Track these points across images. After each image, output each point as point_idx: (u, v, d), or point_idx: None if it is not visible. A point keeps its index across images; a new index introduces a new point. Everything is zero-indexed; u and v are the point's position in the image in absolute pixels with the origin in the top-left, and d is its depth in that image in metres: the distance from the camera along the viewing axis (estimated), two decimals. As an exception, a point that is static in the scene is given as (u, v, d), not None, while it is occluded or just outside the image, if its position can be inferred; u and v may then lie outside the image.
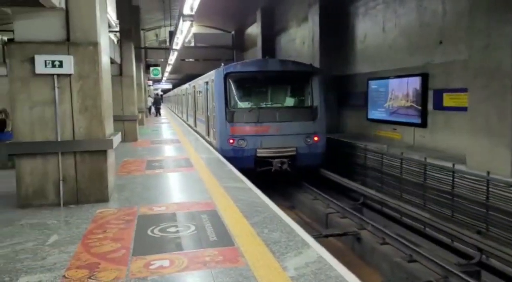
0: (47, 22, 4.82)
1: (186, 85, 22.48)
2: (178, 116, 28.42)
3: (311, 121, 11.24)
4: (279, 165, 10.84)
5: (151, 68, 25.35)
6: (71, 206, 4.96)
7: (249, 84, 11.64)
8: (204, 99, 13.91)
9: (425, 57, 10.22)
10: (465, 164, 7.75)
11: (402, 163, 9.26)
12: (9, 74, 4.78)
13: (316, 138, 11.24)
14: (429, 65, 10.09)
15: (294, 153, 10.97)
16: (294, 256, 3.54)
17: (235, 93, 11.43)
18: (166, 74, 31.35)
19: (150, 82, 34.81)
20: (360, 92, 13.19)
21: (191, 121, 18.76)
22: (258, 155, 10.83)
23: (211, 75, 12.43)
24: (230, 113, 11.06)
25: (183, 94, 24.37)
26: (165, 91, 69.77)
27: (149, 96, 30.63)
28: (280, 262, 3.45)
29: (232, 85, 11.36)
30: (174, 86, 42.61)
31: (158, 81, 40.97)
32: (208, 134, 13.08)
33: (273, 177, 11.04)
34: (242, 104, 11.48)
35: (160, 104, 28.93)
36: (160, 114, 27.83)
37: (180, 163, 8.05)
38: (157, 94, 36.54)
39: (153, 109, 29.83)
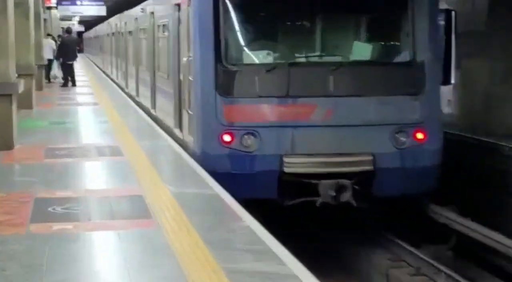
0: None
1: (137, 10, 21.76)
2: (118, 86, 28.31)
3: (409, 97, 11.09)
4: (333, 194, 10.57)
5: None
6: None
7: (268, 13, 11.82)
8: (173, 46, 13.85)
9: None
10: None
11: None
12: None
13: (420, 135, 11.04)
14: None
15: (369, 168, 10.83)
16: None
17: (237, 33, 11.43)
18: None
19: (52, 2, 33.11)
20: None
21: (145, 99, 18.99)
22: (286, 169, 10.73)
23: None
24: (225, 76, 10.95)
25: (129, 33, 24.00)
26: (89, 25, 66.92)
27: (48, 36, 29.07)
28: None
29: (232, 15, 11.28)
30: (111, 14, 38.93)
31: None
32: (180, 124, 13.12)
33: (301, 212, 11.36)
34: (252, 56, 11.52)
35: (73, 57, 26.78)
36: (74, 82, 26.37)
37: (123, 210, 7.86)
38: (68, 31, 30.70)
39: (56, 70, 28.64)
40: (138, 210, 7.53)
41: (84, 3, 36.89)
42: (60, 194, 8.31)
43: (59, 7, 36.46)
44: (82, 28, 69.39)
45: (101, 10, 37.18)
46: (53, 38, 29.22)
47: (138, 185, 8.78)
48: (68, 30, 28.84)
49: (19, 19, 15.60)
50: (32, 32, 18.41)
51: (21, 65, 14.58)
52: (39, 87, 22.14)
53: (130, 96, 22.24)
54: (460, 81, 13.31)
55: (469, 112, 14.10)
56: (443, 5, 12.95)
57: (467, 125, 13.50)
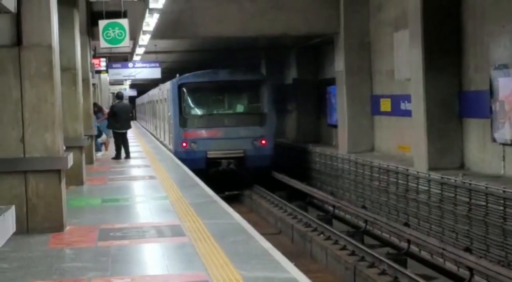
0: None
1: (157, 88, 41.63)
2: (153, 135, 43.59)
3: (258, 126, 27.97)
4: (225, 164, 27.17)
5: (102, 25, 21.37)
6: None
7: (201, 93, 29.77)
8: (167, 108, 31.27)
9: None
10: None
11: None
12: None
13: (263, 142, 27.70)
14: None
15: (242, 155, 27.35)
16: None
17: (188, 102, 29.14)
18: (142, 40, 25.99)
19: (101, 65, 31.72)
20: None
21: (160, 136, 37.09)
22: (208, 156, 27.31)
23: (168, 85, 31.05)
24: (183, 120, 28.20)
25: (156, 101, 42.30)
26: (141, 89, 62.52)
27: (95, 105, 26.44)
28: None
29: (186, 94, 28.90)
30: (165, 79, 37.86)
31: (123, 61, 35.84)
32: (169, 141, 31.08)
33: (223, 178, 27.32)
34: (193, 112, 29.28)
35: (126, 126, 24.63)
36: (128, 153, 24.25)
37: None
38: (119, 96, 28.03)
39: (104, 137, 26.31)
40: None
41: (137, 65, 35.13)
42: (117, 281, 8.26)
43: (110, 70, 34.52)
44: (134, 93, 65.77)
45: (156, 73, 35.44)
46: (96, 106, 26.87)
47: (204, 270, 8.63)
48: (119, 96, 26.73)
49: (67, 85, 15.61)
50: (81, 100, 17.86)
51: (69, 136, 14.74)
52: (89, 160, 21.01)
53: (156, 138, 39.26)
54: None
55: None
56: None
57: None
